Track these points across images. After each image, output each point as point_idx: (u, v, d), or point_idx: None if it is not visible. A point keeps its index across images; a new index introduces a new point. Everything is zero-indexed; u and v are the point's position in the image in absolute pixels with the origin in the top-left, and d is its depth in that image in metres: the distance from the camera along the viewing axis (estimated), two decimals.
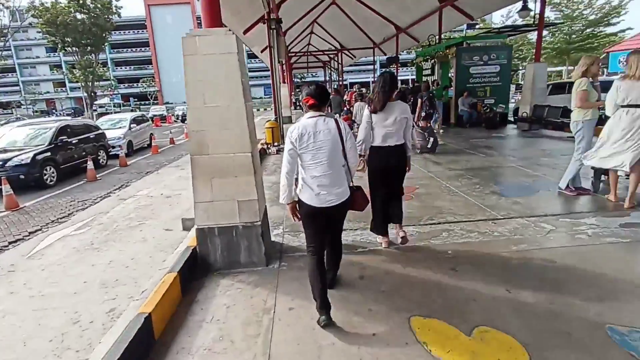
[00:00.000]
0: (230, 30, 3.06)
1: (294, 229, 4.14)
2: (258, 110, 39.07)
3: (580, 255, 3.20)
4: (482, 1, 15.92)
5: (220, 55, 3.02)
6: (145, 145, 14.34)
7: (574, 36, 26.09)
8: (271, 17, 10.33)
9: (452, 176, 6.18)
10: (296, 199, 2.56)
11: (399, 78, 27.09)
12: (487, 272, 3.01)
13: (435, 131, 9.08)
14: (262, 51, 19.66)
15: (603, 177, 5.02)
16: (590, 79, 4.64)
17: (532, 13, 12.14)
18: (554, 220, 4.05)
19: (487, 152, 8.07)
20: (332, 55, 35.21)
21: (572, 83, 5.14)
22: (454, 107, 13.03)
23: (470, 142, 9.51)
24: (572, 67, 29.00)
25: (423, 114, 10.16)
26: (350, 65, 45.74)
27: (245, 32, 16.13)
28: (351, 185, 2.68)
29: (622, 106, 4.13)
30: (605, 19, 25.05)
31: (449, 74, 14.35)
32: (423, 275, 3.02)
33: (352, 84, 47.47)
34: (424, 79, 15.42)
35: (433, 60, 14.17)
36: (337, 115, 12.48)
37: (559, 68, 29.94)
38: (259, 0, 10.51)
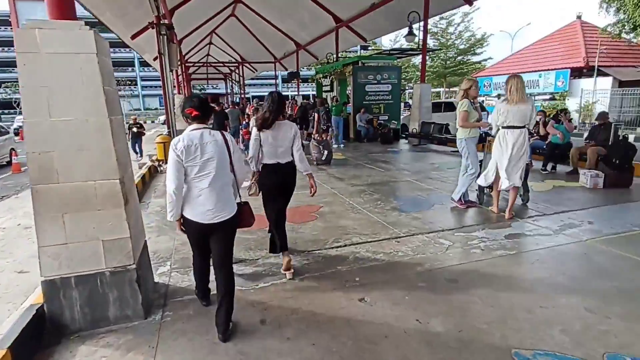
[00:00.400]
0: (88, 25, 2.42)
1: (184, 264, 3.53)
2: (153, 122, 35.86)
3: (477, 272, 3.28)
4: (373, 25, 17.11)
5: (73, 56, 2.35)
6: (5, 163, 11.89)
7: (448, 62, 29.82)
8: (161, 22, 9.38)
9: (355, 192, 6.17)
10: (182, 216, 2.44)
11: (300, 93, 27.48)
12: (395, 299, 2.86)
13: (331, 144, 9.31)
14: (154, 59, 18.02)
15: (486, 191, 5.48)
16: (472, 100, 5.04)
17: (416, 39, 13.33)
18: (450, 235, 4.19)
19: (385, 166, 8.39)
20: (233, 68, 34.33)
21: (447, 103, 5.53)
22: (352, 123, 13.53)
23: (369, 156, 9.86)
24: (448, 89, 33.10)
25: (323, 127, 10.34)
26: (252, 79, 45.30)
27: (133, 37, 14.59)
28: (239, 200, 2.64)
29: (503, 127, 4.52)
30: (472, 49, 29.23)
31: (347, 91, 14.95)
32: (332, 312, 2.73)
33: (254, 97, 47.07)
34: (324, 94, 15.79)
35: (332, 77, 14.58)
36: (236, 129, 12.10)
37: (437, 89, 33.84)
38: (147, 3, 9.48)
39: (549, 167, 7.44)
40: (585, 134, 8.82)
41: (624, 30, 17.31)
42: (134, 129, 11.86)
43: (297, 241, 4.13)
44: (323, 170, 8.07)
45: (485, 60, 29.78)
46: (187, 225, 2.45)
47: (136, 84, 57.64)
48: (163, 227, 4.74)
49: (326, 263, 3.54)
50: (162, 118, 35.97)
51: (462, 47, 28.92)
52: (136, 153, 11.89)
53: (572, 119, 9.00)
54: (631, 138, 8.62)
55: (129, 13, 12.53)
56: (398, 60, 16.98)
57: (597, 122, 7.34)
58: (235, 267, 3.41)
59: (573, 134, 8.21)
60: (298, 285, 3.15)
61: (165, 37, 9.23)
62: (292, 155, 3.34)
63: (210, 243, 2.49)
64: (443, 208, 5.22)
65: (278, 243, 3.46)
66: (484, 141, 5.76)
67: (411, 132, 12.23)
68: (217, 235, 2.45)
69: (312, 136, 9.95)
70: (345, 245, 3.96)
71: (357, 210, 5.19)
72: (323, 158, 8.85)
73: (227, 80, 38.29)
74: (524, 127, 4.46)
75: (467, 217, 4.86)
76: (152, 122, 35.62)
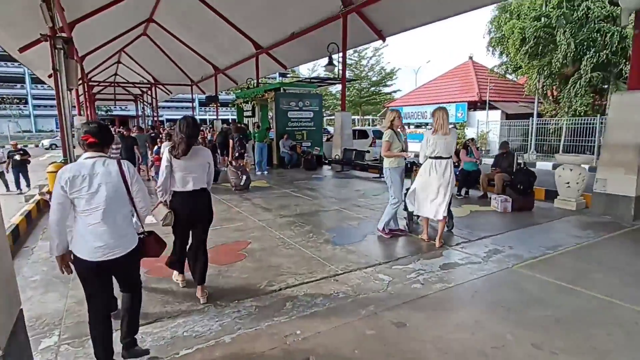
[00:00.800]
0: None
1: (79, 333, 2.79)
2: (36, 146, 31.28)
3: (423, 311, 3.13)
4: (293, 53, 17.38)
5: None
6: None
7: (363, 92, 31.67)
8: (57, 35, 8.21)
9: (284, 224, 5.82)
10: (69, 252, 2.21)
11: (219, 117, 26.51)
12: (345, 356, 2.54)
13: (248, 170, 9.20)
14: (49, 76, 15.89)
15: (414, 218, 5.56)
16: (398, 129, 5.13)
17: (335, 69, 13.77)
18: (388, 268, 4.06)
19: (312, 194, 8.21)
20: (145, 89, 32.02)
21: (362, 130, 5.60)
22: (275, 149, 13.27)
23: (295, 183, 9.63)
24: (363, 117, 34.95)
25: (236, 154, 10.02)
26: (167, 101, 42.83)
27: (21, 50, 12.69)
28: (142, 231, 2.50)
29: (431, 157, 4.63)
30: (383, 81, 31.50)
31: (268, 117, 14.74)
32: None
33: (167, 120, 44.32)
34: (245, 120, 15.38)
35: (253, 103, 14.28)
36: (144, 154, 10.90)
37: (353, 117, 35.64)
38: (39, 12, 8.22)
39: (462, 192, 7.98)
40: (489, 161, 9.73)
41: (507, 71, 20.15)
42: (16, 157, 10.07)
43: (225, 288, 3.62)
44: (247, 200, 7.58)
45: (395, 92, 32.26)
46: (76, 263, 2.21)
47: (26, 103, 50.67)
48: (52, 280, 3.83)
49: (261, 315, 3.10)
50: (48, 142, 31.70)
51: (374, 79, 30.99)
52: (18, 187, 10.08)
53: (479, 147, 9.89)
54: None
55: (17, 23, 10.87)
56: (318, 88, 17.39)
57: (500, 151, 8.13)
58: (150, 329, 2.81)
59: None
60: (230, 350, 2.65)
61: (62, 51, 8.08)
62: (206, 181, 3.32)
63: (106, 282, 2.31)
64: (374, 238, 5.13)
65: (196, 276, 3.35)
66: (410, 170, 5.91)
67: (334, 159, 12.37)
68: (112, 271, 2.29)
69: (230, 162, 9.66)
70: (280, 290, 3.56)
71: (289, 245, 4.84)
72: (241, 183, 8.72)
73: (138, 101, 35.55)
74: (449, 157, 4.63)
75: (400, 248, 4.81)
76: (36, 146, 31.03)
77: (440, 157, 4.58)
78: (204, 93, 30.88)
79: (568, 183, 6.64)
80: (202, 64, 23.95)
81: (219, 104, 26.95)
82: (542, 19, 14.77)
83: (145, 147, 10.94)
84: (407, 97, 25.29)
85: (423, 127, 23.02)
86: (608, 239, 5.00)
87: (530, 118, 16.34)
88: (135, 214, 2.41)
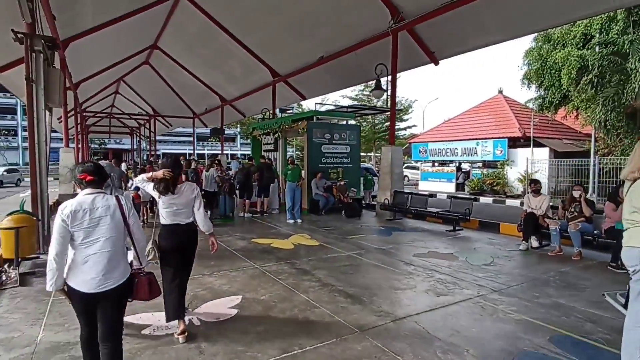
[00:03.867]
0: None
1: None
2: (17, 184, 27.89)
3: None
4: (316, 81, 15.49)
5: None
6: None
7: (377, 126, 29.89)
8: (37, 35, 5.94)
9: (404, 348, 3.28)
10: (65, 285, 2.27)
11: (224, 152, 23.94)
12: None
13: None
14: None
15: None
16: None
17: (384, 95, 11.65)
18: None
19: (395, 261, 5.66)
20: (142, 121, 29.91)
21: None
22: (307, 191, 10.82)
23: (349, 240, 7.09)
24: (378, 154, 33.01)
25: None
26: (164, 135, 40.75)
27: (3, 69, 10.59)
28: (140, 269, 2.56)
29: None
30: (399, 115, 29.81)
31: (288, 151, 12.41)
32: None
33: (164, 155, 42.12)
34: (264, 154, 13.06)
35: (277, 134, 12.00)
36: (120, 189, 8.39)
37: (368, 154, 33.71)
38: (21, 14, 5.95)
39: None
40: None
41: (546, 106, 18.35)
42: None
43: None
44: (305, 274, 5.00)
45: (410, 127, 30.58)
46: (71, 294, 2.28)
47: (15, 135, 48.26)
48: None
49: None
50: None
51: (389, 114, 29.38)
52: None
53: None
54: None
55: None
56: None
57: None
58: None
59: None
60: None
61: (42, 56, 5.76)
62: (194, 215, 3.35)
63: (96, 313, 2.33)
64: None
65: (171, 310, 3.23)
66: None
67: (383, 204, 9.92)
68: (102, 305, 2.30)
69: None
70: None
71: None
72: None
73: (134, 134, 33.32)
74: None
75: None
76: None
77: None
78: (206, 126, 28.92)
79: None
80: (207, 94, 22.09)
81: (223, 137, 24.85)
82: (608, 45, 13.09)
83: (120, 181, 8.38)
84: (432, 133, 23.38)
85: (448, 164, 20.95)
86: None
87: (595, 156, 14.27)
88: (133, 248, 2.49)
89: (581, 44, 15.03)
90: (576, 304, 3.95)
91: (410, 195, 9.52)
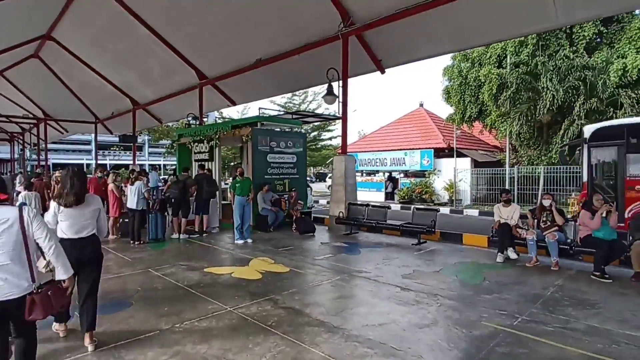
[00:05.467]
0: None
1: None
2: None
3: None
4: (249, 86, 14.41)
5: None
6: None
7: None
8: None
9: None
10: None
11: (137, 162, 21.02)
12: None
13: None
14: None
15: None
16: None
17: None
18: None
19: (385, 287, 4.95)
20: (28, 126, 25.01)
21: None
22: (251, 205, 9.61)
23: (319, 261, 6.20)
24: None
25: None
26: (55, 143, 34.93)
27: None
28: (43, 282, 2.46)
29: None
30: (325, 126, 29.85)
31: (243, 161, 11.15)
32: None
33: (56, 166, 36.03)
34: (197, 164, 11.48)
35: (213, 142, 10.56)
36: None
37: None
38: None
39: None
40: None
41: (464, 119, 19.79)
42: None
43: None
44: (291, 315, 3.99)
45: (335, 137, 30.80)
46: None
47: None
48: None
49: None
50: None
51: (316, 124, 29.19)
52: None
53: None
54: None
55: None
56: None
57: None
58: None
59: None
60: None
61: None
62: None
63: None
64: None
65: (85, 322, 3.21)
66: None
67: (338, 217, 9.23)
68: (11, 318, 2.32)
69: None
70: None
71: None
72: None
73: (16, 141, 27.79)
74: None
75: None
76: None
77: None
78: (111, 133, 25.40)
79: None
80: (116, 96, 19.35)
81: (136, 146, 21.96)
82: (521, 66, 14.46)
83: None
84: (361, 143, 23.69)
85: (375, 174, 21.33)
86: None
87: (508, 166, 15.58)
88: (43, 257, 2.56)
89: (497, 64, 16.51)
90: (608, 325, 3.66)
91: (367, 207, 9.00)
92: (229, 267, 5.91)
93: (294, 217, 9.48)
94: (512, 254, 6.26)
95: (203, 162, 10.05)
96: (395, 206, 15.85)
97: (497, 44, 15.92)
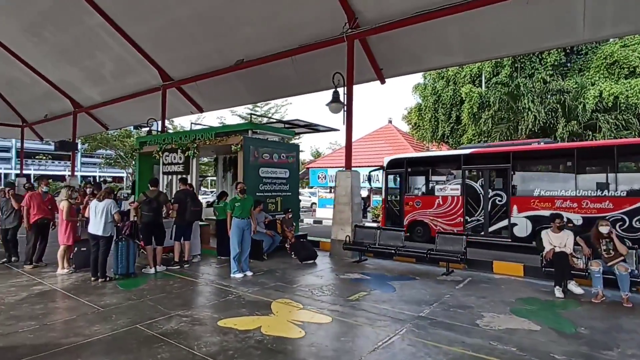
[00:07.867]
0: None
1: None
2: None
3: None
4: (222, 92, 12.86)
5: None
6: None
7: None
8: None
9: None
10: None
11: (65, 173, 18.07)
12: None
13: None
14: None
15: None
16: None
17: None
18: None
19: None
20: None
21: None
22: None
23: (384, 311, 4.95)
24: None
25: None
26: None
27: None
28: None
29: None
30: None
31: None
32: None
33: None
34: (168, 177, 9.68)
35: (190, 152, 8.85)
36: None
37: None
38: None
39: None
40: None
41: (434, 136, 19.81)
42: None
43: None
44: None
45: (302, 151, 29.76)
46: None
47: None
48: None
49: None
50: None
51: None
52: None
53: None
54: None
55: None
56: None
57: None
58: None
59: None
60: None
61: None
62: None
63: None
64: None
65: None
66: None
67: (345, 242, 8.01)
68: None
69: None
70: None
71: None
72: None
73: None
74: None
75: None
76: None
77: None
78: (41, 139, 21.96)
79: None
80: (52, 96, 16.61)
81: (75, 153, 18.96)
82: (500, 86, 14.57)
83: None
84: (330, 158, 22.78)
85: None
86: None
87: None
88: None
89: (471, 83, 16.61)
90: None
91: (379, 231, 7.91)
92: (249, 317, 4.42)
93: (291, 242, 8.09)
94: (576, 289, 5.51)
95: (185, 176, 8.30)
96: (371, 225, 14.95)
97: (474, 64, 16.03)
